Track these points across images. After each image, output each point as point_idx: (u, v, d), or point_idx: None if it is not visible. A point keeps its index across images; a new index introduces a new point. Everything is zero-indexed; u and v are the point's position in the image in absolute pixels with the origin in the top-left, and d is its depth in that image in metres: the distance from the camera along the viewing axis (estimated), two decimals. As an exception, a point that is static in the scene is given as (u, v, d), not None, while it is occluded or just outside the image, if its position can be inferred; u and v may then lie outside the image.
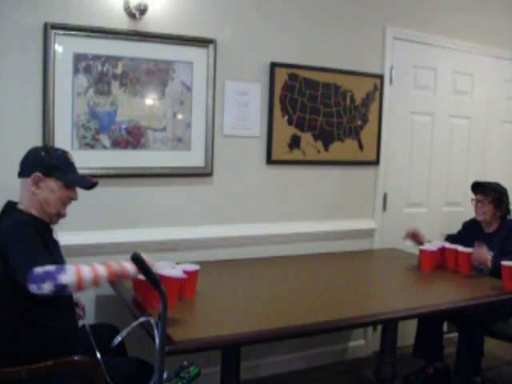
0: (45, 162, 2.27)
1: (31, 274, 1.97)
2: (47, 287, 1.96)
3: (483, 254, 3.31)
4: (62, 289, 1.99)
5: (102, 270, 2.08)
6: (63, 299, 2.26)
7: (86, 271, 2.04)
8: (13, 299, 2.14)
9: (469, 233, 3.78)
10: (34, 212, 2.28)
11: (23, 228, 2.15)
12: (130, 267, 2.14)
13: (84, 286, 2.04)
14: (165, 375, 1.83)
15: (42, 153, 2.30)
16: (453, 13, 4.41)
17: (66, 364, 2.17)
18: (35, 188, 2.26)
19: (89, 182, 2.38)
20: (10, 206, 2.31)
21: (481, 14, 4.58)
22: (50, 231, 2.36)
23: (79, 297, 2.63)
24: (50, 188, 2.27)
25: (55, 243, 2.36)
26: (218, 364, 2.79)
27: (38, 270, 1.98)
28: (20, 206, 2.29)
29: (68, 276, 1.99)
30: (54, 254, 2.25)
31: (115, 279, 2.16)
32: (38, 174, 2.25)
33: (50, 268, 2.00)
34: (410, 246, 3.86)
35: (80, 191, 2.40)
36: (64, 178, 2.29)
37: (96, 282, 2.07)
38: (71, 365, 2.17)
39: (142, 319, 1.99)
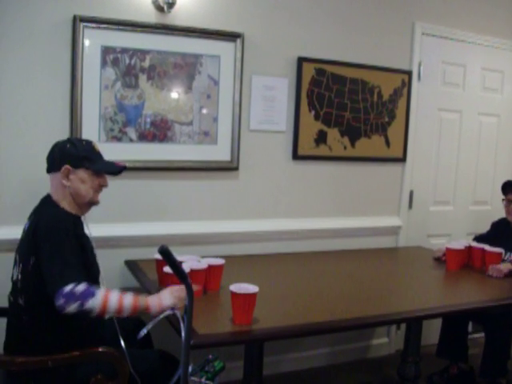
0: (72, 154, 2.28)
1: (61, 291, 2.02)
2: (72, 308, 2.02)
3: (498, 271, 3.24)
4: (86, 313, 2.05)
5: (128, 304, 2.10)
6: None
7: (113, 301, 2.08)
8: (41, 289, 2.15)
9: (498, 233, 3.72)
10: (65, 206, 2.30)
11: (61, 231, 2.17)
12: (153, 307, 2.14)
13: (106, 314, 2.11)
14: (190, 369, 1.83)
15: (68, 145, 2.32)
16: (483, 8, 4.34)
17: (92, 355, 2.18)
18: (66, 180, 2.28)
19: (117, 167, 2.42)
20: (47, 198, 2.34)
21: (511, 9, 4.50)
22: (82, 225, 2.38)
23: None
24: (81, 178, 2.29)
25: (86, 237, 2.38)
26: (241, 358, 2.79)
27: (69, 288, 2.03)
28: (53, 199, 2.31)
29: (95, 302, 2.04)
30: (86, 250, 2.29)
31: (137, 314, 2.18)
32: (67, 166, 2.27)
33: (81, 289, 2.04)
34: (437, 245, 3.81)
35: (110, 181, 2.42)
36: (93, 167, 2.31)
37: (119, 312, 2.11)
38: (96, 356, 2.18)
39: (168, 312, 2.00)
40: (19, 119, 2.96)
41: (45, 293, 2.15)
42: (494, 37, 4.41)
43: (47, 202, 2.31)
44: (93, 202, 2.38)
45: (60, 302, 2.02)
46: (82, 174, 2.29)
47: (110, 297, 2.08)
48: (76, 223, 2.31)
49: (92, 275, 2.31)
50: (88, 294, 2.04)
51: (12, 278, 2.30)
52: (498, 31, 4.44)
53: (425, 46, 4.12)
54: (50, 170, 2.34)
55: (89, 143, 2.38)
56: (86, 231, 2.39)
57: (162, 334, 2.63)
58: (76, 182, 2.29)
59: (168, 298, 2.17)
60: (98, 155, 2.37)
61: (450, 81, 4.31)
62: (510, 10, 4.48)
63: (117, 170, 2.42)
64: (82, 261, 2.21)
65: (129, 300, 2.11)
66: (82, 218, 2.39)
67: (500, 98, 4.58)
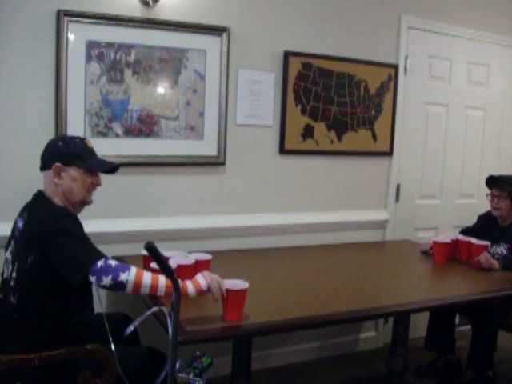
0: (63, 152, 2.26)
1: (95, 266, 2.06)
2: (107, 280, 2.05)
3: (487, 260, 3.26)
4: (120, 286, 2.06)
5: (162, 281, 2.11)
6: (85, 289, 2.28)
7: (147, 277, 2.10)
8: (37, 288, 2.16)
9: (484, 226, 3.73)
10: (58, 202, 2.28)
11: (70, 221, 2.18)
12: (191, 287, 2.18)
13: (141, 290, 2.10)
14: (177, 365, 1.83)
15: (60, 143, 2.30)
16: (468, 2, 4.35)
17: (79, 352, 2.16)
18: (57, 179, 2.26)
19: (110, 165, 2.39)
20: (39, 194, 2.32)
21: (497, 3, 4.50)
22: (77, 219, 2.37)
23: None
24: (72, 177, 2.27)
25: None
26: (229, 354, 2.78)
27: (101, 263, 2.07)
28: (47, 196, 2.29)
29: (129, 276, 2.07)
30: None
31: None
32: (58, 164, 2.25)
33: (113, 263, 2.08)
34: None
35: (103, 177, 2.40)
36: (84, 165, 2.29)
37: (154, 289, 2.11)
38: (84, 353, 2.17)
39: (154, 309, 1.99)
40: (4, 115, 2.92)
41: (39, 291, 2.15)
42: (479, 30, 4.42)
43: (40, 199, 2.29)
44: (85, 202, 2.36)
45: (94, 277, 2.06)
46: (73, 172, 2.27)
47: (144, 273, 2.11)
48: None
49: None
50: (121, 268, 2.07)
51: (2, 275, 2.28)
52: (484, 25, 4.45)
53: (411, 40, 4.13)
54: (42, 167, 2.31)
55: (81, 140, 2.36)
56: None
57: (149, 330, 2.62)
58: (67, 180, 2.27)
59: (201, 278, 2.23)
60: (91, 153, 2.35)
61: (436, 74, 4.32)
62: (496, 3, 4.49)
63: (109, 168, 2.39)
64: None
65: (163, 278, 2.12)
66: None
67: (486, 92, 4.60)
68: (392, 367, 3.33)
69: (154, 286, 2.10)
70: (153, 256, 1.64)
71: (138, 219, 3.29)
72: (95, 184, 2.36)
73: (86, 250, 2.11)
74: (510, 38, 4.59)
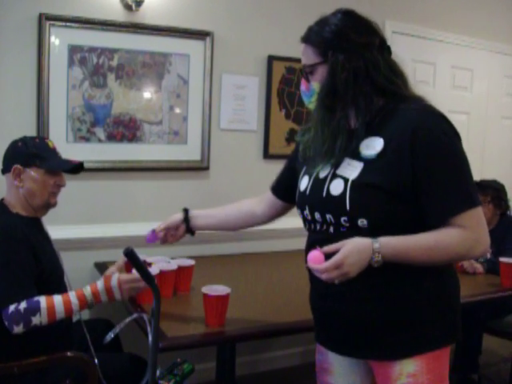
0: (23, 152, 2.18)
1: (6, 311, 2.01)
2: (19, 329, 2.01)
3: (471, 264, 3.26)
4: (33, 328, 2.03)
5: (74, 303, 2.10)
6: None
7: (59, 307, 2.06)
8: None
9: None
10: (19, 210, 2.21)
11: (10, 243, 2.09)
12: (104, 296, 2.17)
13: (56, 320, 2.07)
14: (158, 372, 1.81)
15: (19, 144, 2.21)
16: (452, 7, 4.38)
17: (59, 360, 2.14)
18: (18, 181, 2.18)
19: (71, 164, 2.27)
20: (0, 203, 2.26)
21: (481, 8, 4.54)
22: (41, 225, 2.32)
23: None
24: (32, 178, 2.18)
25: (46, 238, 2.32)
26: (213, 360, 2.77)
27: (12, 309, 2.00)
28: (6, 203, 2.24)
29: (41, 317, 2.02)
30: (45, 254, 2.22)
31: (87, 308, 2.17)
32: (17, 166, 2.17)
33: (25, 306, 2.01)
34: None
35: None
36: (45, 165, 2.19)
37: (68, 314, 2.10)
38: (64, 361, 2.15)
39: (134, 315, 1.96)
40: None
41: None
42: (463, 35, 4.45)
43: (0, 208, 2.24)
44: (49, 204, 2.27)
45: (6, 323, 2.01)
46: (33, 173, 2.18)
47: (55, 303, 2.06)
48: (32, 226, 2.23)
49: (55, 278, 2.26)
50: (32, 311, 2.01)
51: None
52: (468, 30, 4.48)
53: (395, 45, 4.07)
54: (3, 171, 2.25)
55: (42, 140, 2.28)
56: (46, 230, 2.34)
57: (131, 336, 2.60)
58: (28, 182, 2.18)
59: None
60: (52, 152, 2.25)
61: (420, 79, 4.32)
62: (480, 8, 4.53)
63: (70, 167, 2.27)
64: (38, 270, 2.14)
65: (75, 297, 2.10)
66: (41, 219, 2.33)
67: (469, 96, 4.63)
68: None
69: (68, 312, 2.09)
70: (132, 262, 1.62)
71: (122, 224, 3.27)
72: (59, 185, 2.27)
73: (8, 285, 2.04)
74: (493, 43, 4.63)
